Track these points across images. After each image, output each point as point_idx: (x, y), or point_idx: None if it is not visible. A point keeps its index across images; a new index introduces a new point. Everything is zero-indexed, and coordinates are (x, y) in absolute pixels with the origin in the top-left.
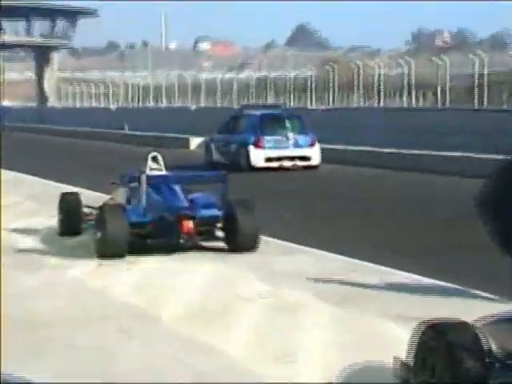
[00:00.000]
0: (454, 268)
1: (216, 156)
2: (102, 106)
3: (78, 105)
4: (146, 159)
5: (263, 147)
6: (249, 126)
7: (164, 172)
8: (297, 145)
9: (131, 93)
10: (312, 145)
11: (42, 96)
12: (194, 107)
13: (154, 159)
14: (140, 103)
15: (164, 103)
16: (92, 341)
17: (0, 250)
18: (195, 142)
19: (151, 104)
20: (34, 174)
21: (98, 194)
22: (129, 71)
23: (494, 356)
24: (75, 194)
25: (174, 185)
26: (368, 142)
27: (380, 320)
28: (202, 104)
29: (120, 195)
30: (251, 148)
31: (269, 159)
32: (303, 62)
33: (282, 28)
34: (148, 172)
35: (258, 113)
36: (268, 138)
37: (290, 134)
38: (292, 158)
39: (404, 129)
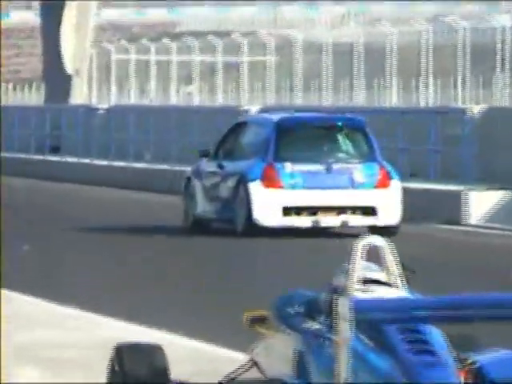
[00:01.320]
0: None
1: (201, 205)
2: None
3: (148, 99)
4: (351, 255)
5: (279, 186)
6: (254, 144)
7: (400, 290)
8: (352, 183)
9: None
10: (383, 184)
11: (54, 74)
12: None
13: (371, 254)
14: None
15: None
16: None
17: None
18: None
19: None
20: (42, 295)
21: (214, 348)
22: (285, 29)
23: None
24: (153, 349)
25: (427, 327)
26: None
27: None
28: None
29: (276, 353)
30: (254, 186)
31: (291, 210)
32: None
33: None
34: (355, 290)
35: (273, 117)
36: (290, 166)
37: (338, 161)
38: (340, 210)
39: None
